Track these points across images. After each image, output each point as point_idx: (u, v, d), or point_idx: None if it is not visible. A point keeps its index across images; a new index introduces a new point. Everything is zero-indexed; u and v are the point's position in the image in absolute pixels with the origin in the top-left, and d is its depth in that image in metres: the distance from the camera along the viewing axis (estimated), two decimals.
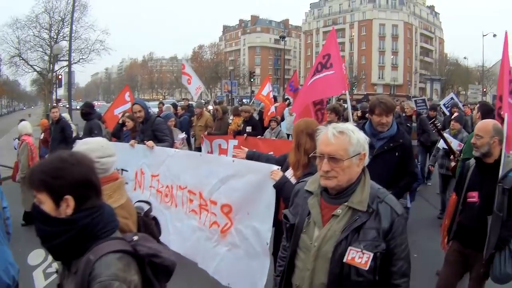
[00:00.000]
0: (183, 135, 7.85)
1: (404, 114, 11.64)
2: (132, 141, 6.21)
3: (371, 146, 4.46)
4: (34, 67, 36.31)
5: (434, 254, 6.04)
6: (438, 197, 9.33)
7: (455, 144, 7.22)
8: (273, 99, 13.36)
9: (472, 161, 4.11)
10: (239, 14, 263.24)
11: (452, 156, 6.51)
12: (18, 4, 40.20)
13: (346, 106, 11.48)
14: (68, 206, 1.85)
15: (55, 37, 35.32)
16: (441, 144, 7.90)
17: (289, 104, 14.42)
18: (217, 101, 20.91)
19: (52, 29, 35.42)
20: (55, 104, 19.90)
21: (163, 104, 14.24)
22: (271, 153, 9.39)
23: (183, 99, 21.00)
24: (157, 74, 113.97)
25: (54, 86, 35.05)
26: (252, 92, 59.52)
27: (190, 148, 11.74)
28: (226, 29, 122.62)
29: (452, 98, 16.20)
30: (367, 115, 9.40)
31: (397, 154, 4.40)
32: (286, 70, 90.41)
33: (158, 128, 6.54)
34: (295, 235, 2.50)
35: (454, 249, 4.17)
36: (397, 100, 23.88)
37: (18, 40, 34.79)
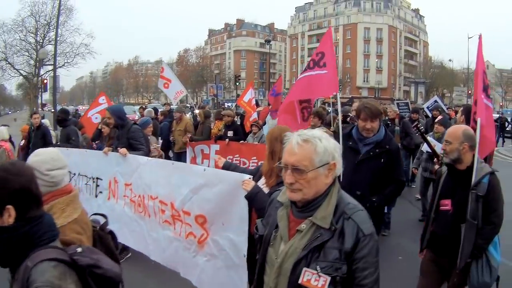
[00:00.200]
0: (158, 144, 7.60)
1: (387, 118, 11.61)
2: (106, 149, 5.98)
3: (357, 152, 4.41)
4: (20, 71, 36.51)
5: (418, 257, 5.98)
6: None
7: (438, 148, 7.17)
8: (255, 106, 13.22)
9: (445, 168, 4.02)
10: (225, 18, 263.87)
11: (436, 159, 6.47)
12: (4, 8, 40.04)
13: (330, 110, 11.48)
14: (10, 216, 1.87)
15: (41, 41, 35.45)
16: (424, 147, 7.86)
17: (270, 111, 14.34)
18: (200, 105, 20.70)
19: (38, 33, 35.75)
20: (36, 110, 19.68)
21: (144, 109, 14.05)
22: (254, 157, 9.43)
23: (165, 104, 20.83)
24: (143, 78, 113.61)
25: (40, 90, 34.83)
26: (238, 95, 59.41)
27: (166, 155, 11.63)
28: (211, 32, 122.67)
29: (435, 101, 16.28)
30: (348, 119, 9.41)
31: (383, 160, 4.30)
32: (272, 74, 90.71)
33: (133, 136, 6.25)
34: (263, 248, 2.34)
35: (428, 258, 4.06)
36: (383, 104, 24.02)
37: (5, 44, 35.06)
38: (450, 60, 78.79)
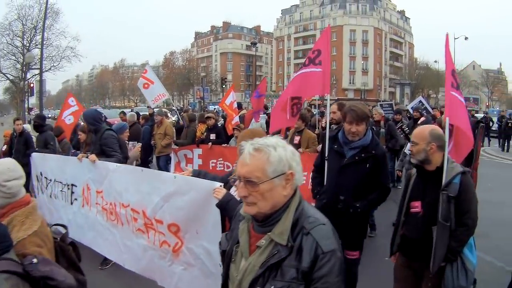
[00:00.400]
0: (133, 151, 7.39)
1: (372, 120, 11.56)
2: (80, 155, 5.81)
3: (342, 155, 4.29)
4: (7, 75, 36.10)
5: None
6: None
7: None
8: (236, 109, 13.12)
9: (414, 170, 3.91)
10: (211, 21, 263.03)
11: None
12: None
13: (315, 112, 11.39)
14: None
15: (28, 45, 35.15)
16: (407, 148, 7.79)
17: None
18: (184, 108, 20.43)
19: (25, 36, 35.45)
20: (19, 116, 19.43)
21: (125, 114, 13.81)
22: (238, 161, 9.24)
23: (148, 107, 20.60)
24: (129, 81, 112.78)
25: (26, 94, 34.51)
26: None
27: (147, 158, 11.49)
28: (198, 35, 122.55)
29: (420, 102, 16.29)
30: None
31: (368, 165, 4.19)
32: (258, 76, 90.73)
33: (106, 142, 6.05)
34: (225, 263, 2.20)
35: (400, 264, 3.93)
36: (369, 106, 24.05)
37: None
38: (435, 61, 79.40)
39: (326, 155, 4.56)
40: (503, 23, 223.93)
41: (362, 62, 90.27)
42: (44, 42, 31.23)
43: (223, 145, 10.01)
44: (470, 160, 5.00)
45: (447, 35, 4.32)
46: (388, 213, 8.67)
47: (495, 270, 6.05)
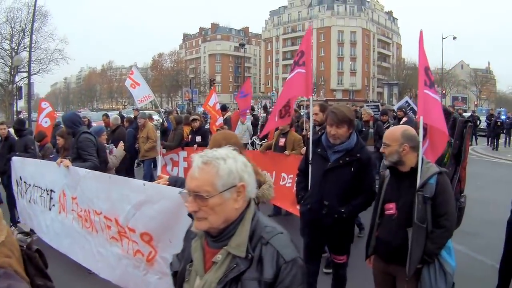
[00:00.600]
0: (112, 156, 7.21)
1: (358, 120, 11.51)
2: (59, 160, 5.63)
3: (326, 159, 4.14)
4: None
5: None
6: None
7: None
8: (220, 110, 13.02)
9: (387, 171, 3.80)
10: (199, 22, 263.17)
11: None
12: None
13: (302, 114, 11.25)
14: None
15: (16, 47, 34.87)
16: None
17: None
18: (169, 110, 20.21)
19: (13, 39, 35.20)
20: (3, 120, 19.19)
21: (108, 117, 13.60)
22: None
23: (133, 109, 20.37)
24: (117, 83, 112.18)
25: (15, 97, 34.20)
26: None
27: (131, 162, 11.33)
28: (186, 37, 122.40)
29: (406, 102, 16.24)
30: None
31: (353, 169, 4.04)
32: (247, 78, 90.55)
33: (81, 146, 5.89)
34: (178, 284, 2.09)
35: (378, 267, 3.82)
36: (357, 106, 24.06)
37: None
38: None
39: (310, 159, 4.45)
40: (491, 22, 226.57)
41: (350, 62, 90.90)
42: (33, 45, 31.18)
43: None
44: (459, 159, 4.91)
45: (421, 32, 4.25)
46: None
47: (486, 269, 6.02)
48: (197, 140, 10.21)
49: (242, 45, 55.77)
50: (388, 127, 11.27)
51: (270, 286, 1.78)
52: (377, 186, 4.03)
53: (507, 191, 4.91)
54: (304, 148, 5.95)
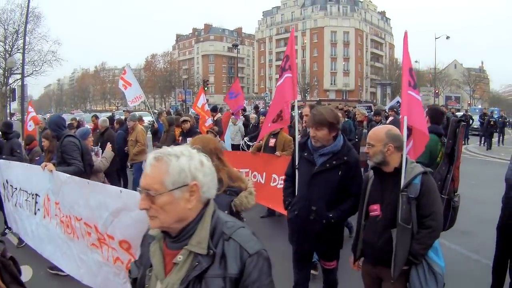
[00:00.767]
0: (101, 158, 7.09)
1: (351, 120, 11.49)
2: (43, 164, 5.53)
3: (313, 163, 4.04)
4: None
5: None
6: None
7: None
8: (209, 111, 12.98)
9: (371, 172, 3.73)
10: (192, 23, 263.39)
11: None
12: None
13: (293, 114, 11.17)
14: None
15: (10, 49, 34.77)
16: None
17: (233, 114, 14.05)
18: (161, 111, 20.06)
19: (7, 41, 35.13)
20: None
21: (97, 118, 13.46)
22: None
23: (124, 110, 20.22)
24: (110, 84, 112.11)
25: (8, 99, 34.07)
26: (207, 100, 59.14)
27: (122, 165, 11.26)
28: (179, 37, 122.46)
29: (398, 102, 16.25)
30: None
31: (340, 172, 3.94)
32: (240, 78, 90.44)
33: (65, 150, 5.80)
34: None
35: (366, 270, 3.76)
36: (350, 107, 24.01)
37: None
38: (416, 61, 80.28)
39: (296, 164, 4.34)
40: (485, 22, 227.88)
41: (343, 63, 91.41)
42: (26, 47, 31.02)
43: None
44: (452, 158, 4.91)
45: (405, 33, 4.20)
46: None
47: (481, 268, 6.01)
48: (187, 142, 9.97)
49: (235, 46, 55.92)
50: None
51: (236, 282, 1.73)
52: None
53: (501, 190, 4.89)
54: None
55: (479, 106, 58.63)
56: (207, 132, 10.42)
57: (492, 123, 23.85)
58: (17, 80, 33.52)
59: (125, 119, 13.34)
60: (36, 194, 5.60)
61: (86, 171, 5.88)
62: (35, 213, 5.62)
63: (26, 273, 5.42)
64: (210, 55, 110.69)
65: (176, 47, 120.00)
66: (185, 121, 10.40)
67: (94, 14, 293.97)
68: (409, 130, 3.93)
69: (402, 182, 3.37)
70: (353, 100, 72.45)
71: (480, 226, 7.73)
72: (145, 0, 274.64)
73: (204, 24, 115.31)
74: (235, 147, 12.97)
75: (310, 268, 4.49)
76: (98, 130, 11.05)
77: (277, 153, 7.94)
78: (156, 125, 13.19)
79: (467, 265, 6.38)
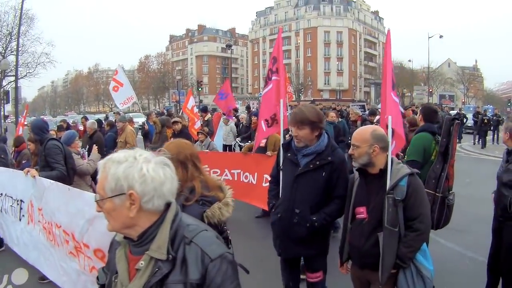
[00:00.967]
0: (89, 160, 6.94)
1: (343, 119, 11.41)
2: (26, 169, 5.41)
3: (296, 164, 3.88)
4: None
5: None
6: None
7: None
8: (198, 113, 12.93)
9: (357, 174, 3.61)
10: (186, 24, 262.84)
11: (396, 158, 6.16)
12: None
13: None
14: None
15: (3, 51, 34.46)
16: None
17: (224, 114, 13.94)
18: (151, 111, 19.88)
19: (0, 43, 34.80)
20: None
21: (87, 119, 13.29)
22: (205, 166, 8.91)
23: (114, 112, 20.01)
24: (103, 86, 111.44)
25: (2, 102, 33.80)
26: (201, 101, 59.21)
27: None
28: (172, 38, 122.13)
29: None
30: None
31: (324, 173, 3.77)
32: (234, 79, 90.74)
33: (48, 153, 5.72)
34: None
35: (354, 273, 3.66)
36: (338, 105, 23.97)
37: None
38: (409, 61, 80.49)
39: (280, 165, 4.19)
40: (478, 20, 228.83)
41: (337, 62, 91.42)
42: (20, 49, 30.89)
43: None
44: (446, 156, 4.92)
45: (388, 30, 4.14)
46: None
47: (477, 265, 5.99)
48: None
49: (229, 46, 55.86)
50: None
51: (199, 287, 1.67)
52: None
53: (495, 188, 4.79)
54: None
55: (473, 105, 58.76)
56: (198, 133, 10.29)
57: (485, 121, 23.80)
58: (10, 82, 33.33)
59: (115, 121, 13.17)
60: (21, 200, 5.50)
61: (69, 175, 5.82)
62: (20, 219, 5.53)
63: (22, 276, 5.41)
64: (204, 56, 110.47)
65: (169, 48, 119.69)
66: (175, 122, 10.31)
67: (87, 15, 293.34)
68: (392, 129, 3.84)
69: (388, 184, 3.27)
70: (347, 99, 72.43)
71: (475, 224, 7.73)
72: (138, 1, 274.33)
73: (198, 25, 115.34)
74: (227, 147, 12.85)
75: (299, 270, 4.31)
76: (87, 133, 10.92)
77: (268, 153, 7.84)
78: (146, 126, 13.04)
79: (462, 262, 6.37)
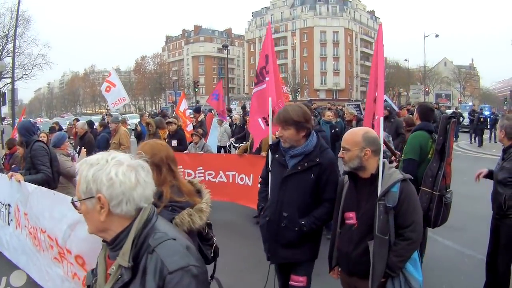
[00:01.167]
0: (74, 163, 6.85)
1: (340, 119, 11.35)
2: (10, 173, 5.35)
3: (284, 166, 3.71)
4: None
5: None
6: None
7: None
8: (190, 116, 13.08)
9: (346, 177, 3.44)
10: (182, 24, 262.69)
11: (393, 157, 6.09)
12: None
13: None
14: None
15: (0, 53, 34.12)
16: None
17: (218, 114, 13.87)
18: (142, 112, 19.79)
19: None
20: None
21: (78, 120, 13.21)
22: (200, 167, 8.87)
23: (107, 114, 19.90)
24: (99, 87, 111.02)
25: None
26: (197, 102, 59.20)
27: None
28: (169, 39, 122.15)
29: (385, 100, 16.09)
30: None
31: (312, 175, 3.60)
32: (230, 79, 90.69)
33: (34, 154, 5.66)
34: None
35: (343, 279, 3.51)
36: (333, 105, 23.88)
37: None
38: (405, 60, 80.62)
39: (269, 166, 4.04)
40: (474, 19, 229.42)
41: (333, 62, 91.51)
42: (16, 51, 30.70)
43: (184, 152, 9.55)
44: (443, 155, 4.86)
45: (380, 25, 4.02)
46: None
47: (475, 263, 5.97)
48: (172, 144, 9.83)
49: (225, 47, 55.79)
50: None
51: None
52: None
53: (493, 186, 4.74)
54: None
55: (470, 103, 58.81)
56: (192, 135, 10.24)
57: (482, 119, 23.76)
58: (7, 84, 33.32)
59: (108, 122, 12.93)
60: (9, 204, 5.49)
61: (54, 178, 5.78)
62: (9, 224, 5.51)
63: (20, 279, 5.32)
64: (200, 56, 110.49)
65: (165, 49, 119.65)
66: (169, 123, 10.21)
67: (83, 17, 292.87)
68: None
69: (379, 190, 3.10)
70: (344, 99, 72.49)
71: (473, 222, 7.76)
72: (133, 2, 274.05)
73: (194, 25, 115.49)
74: (221, 148, 12.78)
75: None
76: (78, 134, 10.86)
77: (263, 153, 7.71)
78: (139, 128, 12.93)
79: (460, 260, 6.36)
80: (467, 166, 14.64)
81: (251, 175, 7.96)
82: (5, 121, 40.48)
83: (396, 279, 3.06)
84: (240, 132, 11.83)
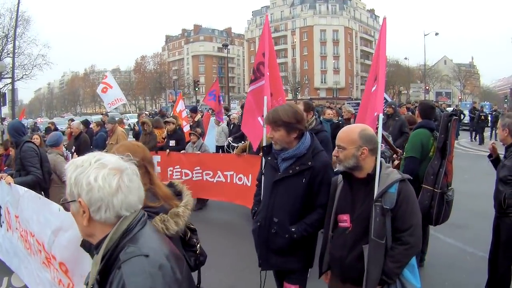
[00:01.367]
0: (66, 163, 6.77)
1: (342, 118, 11.25)
2: (0, 175, 5.24)
3: (277, 169, 3.53)
4: None
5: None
6: None
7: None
8: (187, 117, 13.03)
9: (340, 177, 3.21)
10: (182, 24, 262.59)
11: (395, 154, 6.00)
12: None
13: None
14: None
15: (0, 54, 34.14)
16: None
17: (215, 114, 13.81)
18: (139, 112, 19.75)
19: None
20: None
21: (73, 121, 13.15)
22: (198, 167, 8.79)
23: (103, 114, 19.80)
24: None
25: None
26: (198, 101, 59.13)
27: None
28: (168, 38, 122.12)
29: (384, 99, 15.98)
30: None
31: (304, 180, 3.41)
32: (230, 78, 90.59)
33: (24, 156, 5.60)
34: None
35: (333, 285, 3.29)
36: (332, 103, 23.75)
37: None
38: (405, 58, 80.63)
39: (263, 169, 3.89)
40: (474, 17, 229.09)
41: (333, 61, 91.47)
42: (16, 51, 30.83)
43: (182, 151, 9.49)
44: (444, 152, 4.87)
45: (384, 19, 3.88)
46: None
47: (477, 260, 6.03)
48: (170, 144, 9.84)
49: (225, 46, 55.71)
50: None
51: None
52: None
53: (494, 184, 4.67)
54: None
55: (470, 101, 58.63)
56: (190, 134, 10.22)
57: (482, 117, 23.67)
58: (7, 84, 33.34)
59: (104, 123, 12.79)
60: (0, 207, 5.42)
61: (45, 179, 5.73)
62: (1, 225, 5.44)
63: (19, 280, 5.24)
64: (200, 56, 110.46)
65: (165, 48, 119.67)
66: (167, 122, 10.14)
67: (83, 17, 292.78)
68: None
69: (376, 191, 2.92)
70: (344, 98, 72.37)
71: (475, 219, 7.79)
72: (133, 2, 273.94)
73: (194, 25, 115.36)
74: (219, 148, 12.69)
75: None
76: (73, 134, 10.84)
77: (261, 154, 7.59)
78: (137, 127, 12.86)
79: (462, 257, 6.35)
80: (468, 164, 14.64)
81: (250, 175, 7.89)
82: (5, 122, 40.48)
83: (392, 286, 2.89)
84: (237, 131, 11.70)
